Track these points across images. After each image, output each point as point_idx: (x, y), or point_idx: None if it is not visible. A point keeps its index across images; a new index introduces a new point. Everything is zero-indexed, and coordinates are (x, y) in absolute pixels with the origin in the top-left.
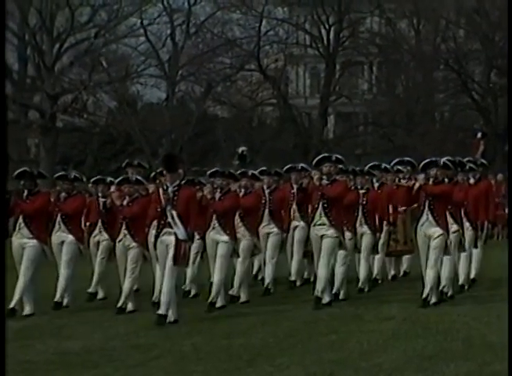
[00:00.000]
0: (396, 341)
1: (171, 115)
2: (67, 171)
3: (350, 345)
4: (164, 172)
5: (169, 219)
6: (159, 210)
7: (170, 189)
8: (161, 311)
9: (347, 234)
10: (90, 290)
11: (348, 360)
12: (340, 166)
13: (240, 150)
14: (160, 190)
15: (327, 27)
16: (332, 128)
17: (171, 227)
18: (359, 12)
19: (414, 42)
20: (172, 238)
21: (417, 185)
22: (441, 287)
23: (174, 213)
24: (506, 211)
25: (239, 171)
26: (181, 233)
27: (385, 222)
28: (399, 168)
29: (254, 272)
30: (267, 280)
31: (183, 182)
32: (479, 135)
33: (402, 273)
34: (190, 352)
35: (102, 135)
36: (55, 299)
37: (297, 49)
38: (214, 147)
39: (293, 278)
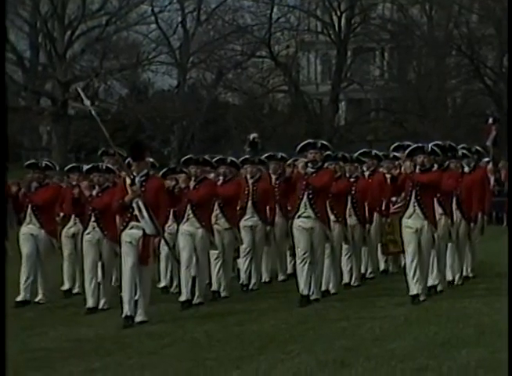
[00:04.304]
0: (408, 327)
1: (183, 102)
2: (80, 159)
3: (362, 331)
4: (131, 161)
5: (136, 212)
6: (120, 202)
7: (137, 180)
8: (128, 312)
9: (336, 225)
10: (65, 287)
11: (360, 347)
12: (328, 152)
13: (251, 136)
14: (127, 180)
15: (339, 13)
16: (343, 114)
17: (138, 221)
18: None
19: (426, 28)
20: (139, 233)
21: (403, 173)
22: (429, 283)
23: (141, 205)
24: None
25: (216, 158)
26: (149, 227)
27: (376, 214)
28: (395, 154)
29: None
30: (253, 280)
31: (165, 170)
32: (490, 120)
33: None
34: (202, 339)
35: (114, 122)
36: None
37: (308, 36)
38: (226, 134)
39: (267, 279)
